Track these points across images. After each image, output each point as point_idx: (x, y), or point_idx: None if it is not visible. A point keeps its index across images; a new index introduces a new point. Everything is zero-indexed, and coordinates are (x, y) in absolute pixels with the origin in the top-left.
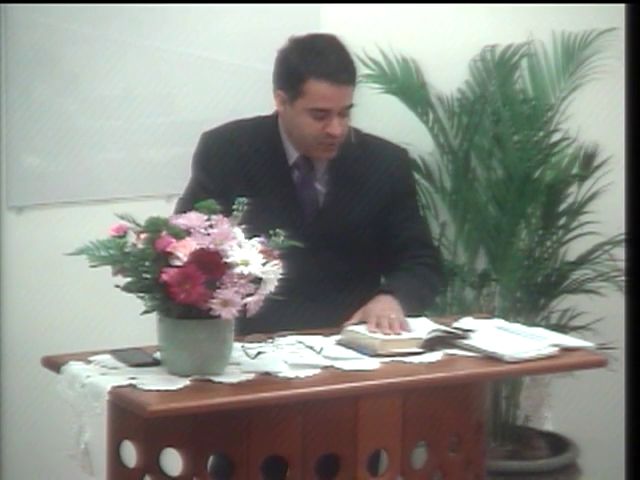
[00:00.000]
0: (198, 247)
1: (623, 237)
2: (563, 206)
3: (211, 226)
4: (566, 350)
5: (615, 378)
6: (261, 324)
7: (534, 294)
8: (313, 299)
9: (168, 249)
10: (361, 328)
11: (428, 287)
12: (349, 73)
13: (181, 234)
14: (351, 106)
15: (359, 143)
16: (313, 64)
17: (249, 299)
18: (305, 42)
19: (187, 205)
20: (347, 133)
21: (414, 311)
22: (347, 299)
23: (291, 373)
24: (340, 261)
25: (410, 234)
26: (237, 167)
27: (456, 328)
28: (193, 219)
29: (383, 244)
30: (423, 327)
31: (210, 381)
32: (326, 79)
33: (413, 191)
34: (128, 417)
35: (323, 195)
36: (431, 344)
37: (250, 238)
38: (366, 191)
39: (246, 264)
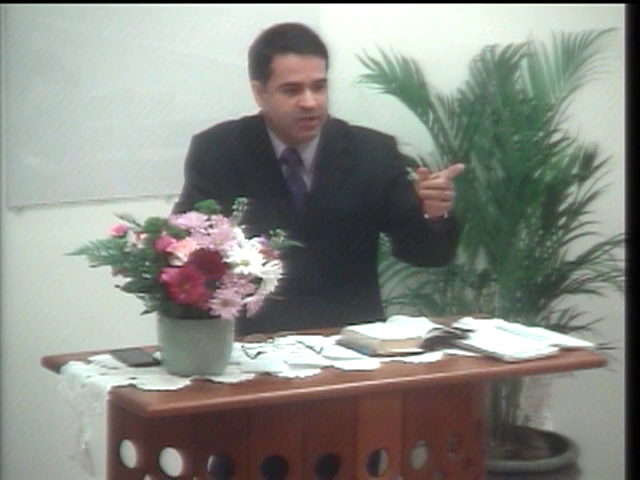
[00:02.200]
0: (198, 247)
1: (623, 237)
2: (563, 206)
3: (211, 226)
4: (566, 350)
5: (615, 378)
6: (259, 321)
7: (534, 294)
8: (308, 293)
9: (168, 249)
10: (361, 328)
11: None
12: (315, 45)
13: (181, 234)
14: (324, 81)
15: (346, 135)
16: (277, 42)
17: (249, 299)
18: (269, 29)
19: (183, 209)
20: (326, 113)
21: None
22: (343, 292)
23: (291, 373)
24: (333, 253)
25: (414, 201)
26: (228, 166)
27: (456, 328)
28: (193, 219)
29: (392, 221)
30: (423, 327)
31: (210, 381)
32: (291, 51)
33: (404, 172)
34: (128, 417)
35: (309, 187)
36: (431, 344)
37: (249, 238)
38: (355, 180)
39: (246, 264)
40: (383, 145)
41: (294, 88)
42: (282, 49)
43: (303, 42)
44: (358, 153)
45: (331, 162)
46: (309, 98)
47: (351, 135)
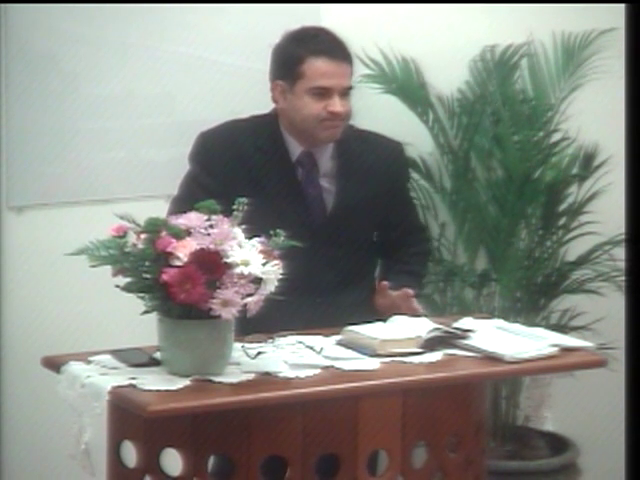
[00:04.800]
0: (198, 247)
1: (623, 237)
2: (563, 206)
3: (211, 226)
4: (566, 350)
5: (615, 378)
6: (268, 322)
7: (534, 294)
8: (319, 296)
9: (168, 249)
10: (361, 328)
11: (418, 283)
12: (344, 51)
13: (181, 234)
14: (350, 88)
15: (357, 137)
16: (310, 44)
17: (249, 299)
18: (298, 31)
19: (184, 205)
20: (349, 118)
21: None
22: (352, 295)
23: (291, 373)
24: (346, 255)
25: (407, 222)
26: (239, 166)
27: (456, 328)
28: (193, 219)
29: (384, 235)
30: (423, 327)
31: (210, 381)
32: (324, 55)
33: (408, 179)
34: (128, 417)
35: (332, 194)
36: (431, 344)
37: (251, 238)
38: (370, 187)
39: (246, 264)
40: (392, 150)
41: (323, 92)
42: (315, 52)
43: (335, 47)
44: (371, 157)
45: (351, 165)
46: (338, 104)
47: (363, 139)
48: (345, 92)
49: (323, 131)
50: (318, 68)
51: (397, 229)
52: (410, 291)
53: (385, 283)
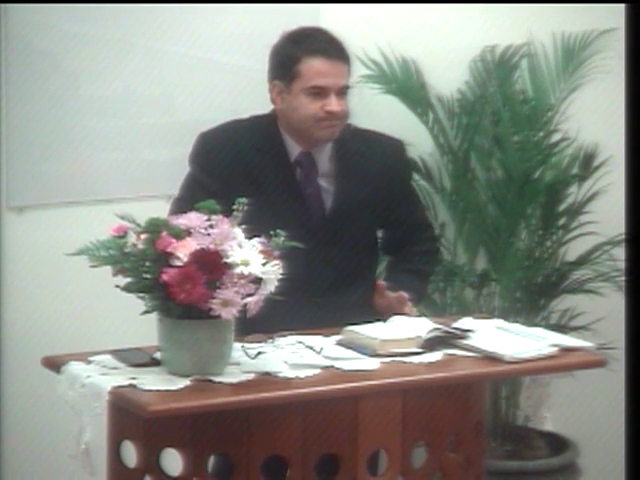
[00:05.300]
0: (198, 247)
1: (623, 237)
2: (563, 206)
3: (211, 226)
4: (566, 350)
5: (615, 378)
6: (268, 322)
7: (534, 294)
8: (318, 296)
9: (168, 249)
10: (361, 328)
11: (423, 282)
12: (341, 51)
13: (181, 234)
14: (347, 88)
15: (357, 137)
16: (305, 44)
17: (249, 299)
18: (295, 31)
19: (185, 205)
20: (347, 117)
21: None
22: (351, 295)
23: (291, 373)
24: (345, 255)
25: (413, 220)
26: (238, 166)
27: (456, 328)
28: (193, 219)
29: (388, 233)
30: (423, 327)
31: (210, 381)
32: (320, 55)
33: (411, 177)
34: (128, 417)
35: (331, 194)
36: (431, 344)
37: (251, 238)
38: (370, 186)
39: (246, 264)
40: (391, 148)
41: (320, 92)
42: (311, 51)
43: (332, 47)
44: (370, 156)
45: (349, 164)
46: (335, 103)
47: (362, 137)
48: (342, 91)
49: (320, 130)
50: (314, 67)
51: (401, 227)
52: (405, 295)
53: (382, 283)
